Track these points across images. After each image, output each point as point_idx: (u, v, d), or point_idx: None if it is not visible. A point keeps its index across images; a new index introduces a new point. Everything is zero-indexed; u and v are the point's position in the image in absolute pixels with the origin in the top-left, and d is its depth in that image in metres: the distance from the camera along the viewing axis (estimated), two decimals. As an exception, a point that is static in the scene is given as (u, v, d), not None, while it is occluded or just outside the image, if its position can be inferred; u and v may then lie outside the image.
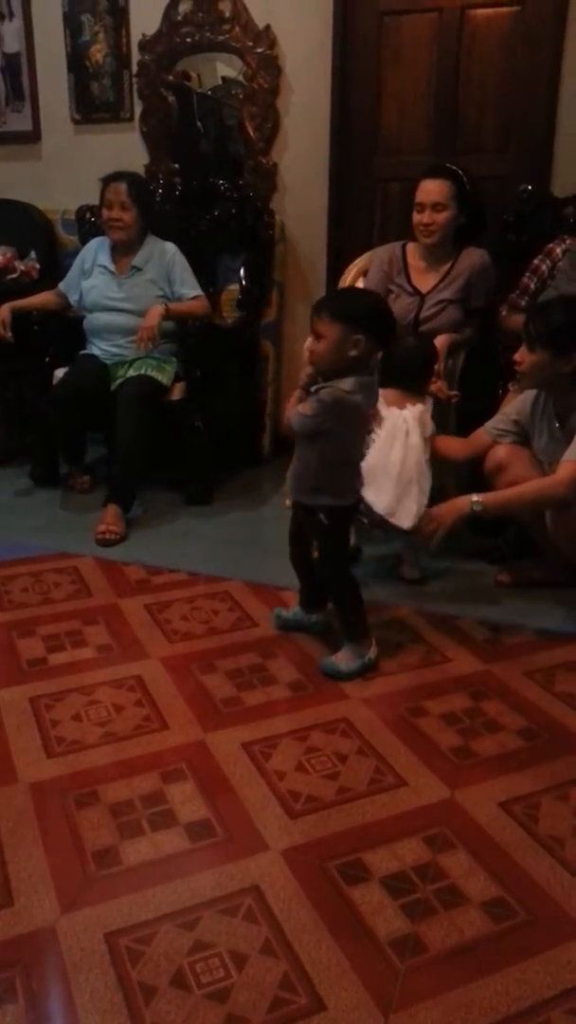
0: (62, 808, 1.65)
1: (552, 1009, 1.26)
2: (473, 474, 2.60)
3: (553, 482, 2.20)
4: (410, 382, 2.47)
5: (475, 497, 2.23)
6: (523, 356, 2.28)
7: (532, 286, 2.76)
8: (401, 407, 2.42)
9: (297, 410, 1.98)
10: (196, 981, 1.30)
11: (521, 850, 1.56)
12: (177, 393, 3.16)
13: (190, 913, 1.41)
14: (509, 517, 2.52)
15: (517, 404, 2.43)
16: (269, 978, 1.30)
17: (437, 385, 2.57)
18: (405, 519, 2.36)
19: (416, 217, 2.82)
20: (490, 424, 2.48)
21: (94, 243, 3.31)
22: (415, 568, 2.61)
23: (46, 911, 1.42)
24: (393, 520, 2.37)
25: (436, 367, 2.58)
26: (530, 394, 2.40)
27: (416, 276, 2.90)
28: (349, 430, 2.00)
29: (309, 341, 1.99)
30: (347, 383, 1.92)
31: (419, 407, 2.46)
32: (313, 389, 1.97)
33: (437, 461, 2.85)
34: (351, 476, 2.08)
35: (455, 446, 2.55)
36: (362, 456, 2.15)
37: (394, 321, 2.08)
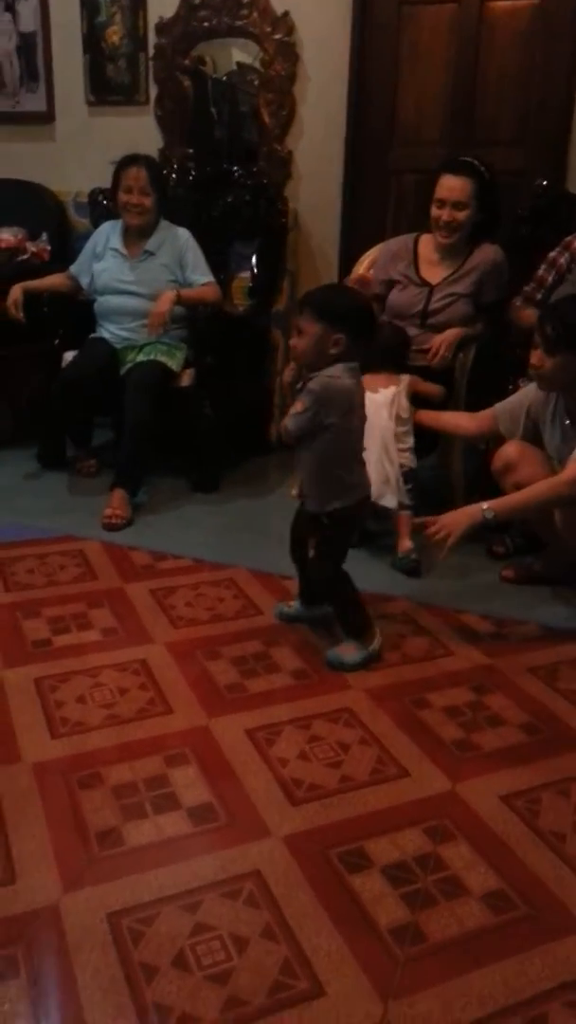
0: (65, 788, 1.66)
1: (550, 1002, 1.27)
2: (477, 465, 2.60)
3: (560, 481, 2.19)
4: (382, 364, 2.54)
5: (486, 505, 2.16)
6: (540, 360, 2.23)
7: (550, 279, 2.75)
8: (374, 391, 2.45)
9: (290, 412, 1.98)
10: (197, 963, 1.30)
11: (522, 844, 1.57)
12: (187, 380, 3.15)
13: (192, 896, 1.42)
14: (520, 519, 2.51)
15: (530, 395, 2.39)
16: (269, 962, 1.31)
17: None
18: (391, 500, 2.50)
19: (435, 212, 2.80)
20: (500, 408, 2.46)
21: (106, 226, 3.30)
22: (410, 539, 2.62)
23: (49, 890, 1.43)
24: (382, 502, 2.47)
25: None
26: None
27: (425, 268, 2.88)
28: (344, 417, 1.97)
29: (294, 338, 1.99)
30: (333, 369, 1.93)
31: (391, 389, 2.56)
32: (299, 386, 1.97)
33: (443, 450, 2.88)
34: (357, 472, 2.07)
35: (463, 422, 2.58)
36: (362, 447, 2.14)
37: (376, 322, 2.11)
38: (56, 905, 1.40)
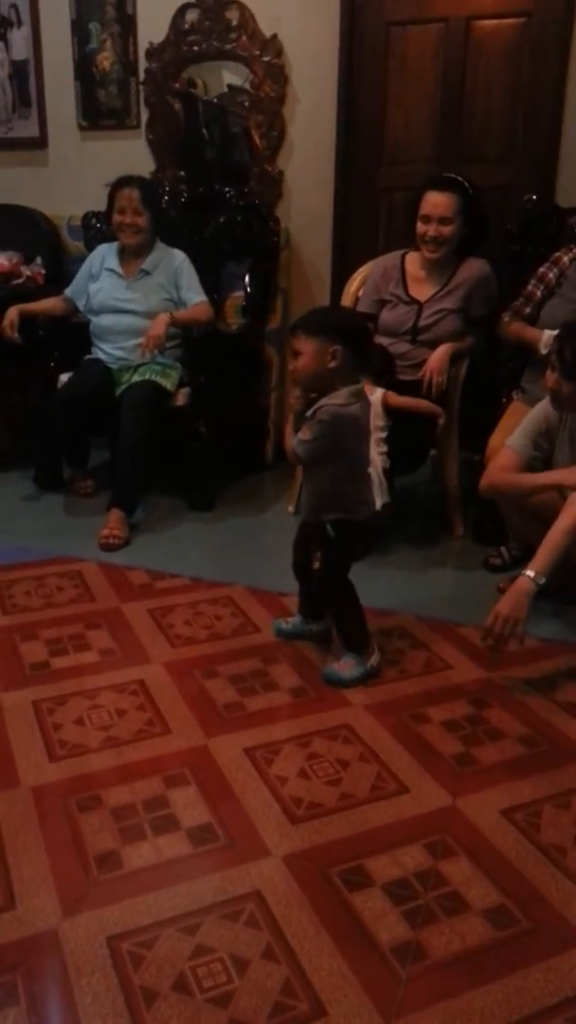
0: (64, 812, 1.65)
1: (553, 1017, 1.26)
2: (474, 473, 2.59)
3: (568, 516, 2.15)
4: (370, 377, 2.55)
5: (529, 573, 2.05)
6: (557, 383, 2.19)
7: (539, 294, 2.76)
8: None
9: (298, 437, 1.99)
10: (198, 986, 1.30)
11: (522, 858, 1.56)
12: (181, 399, 3.17)
13: (192, 918, 1.42)
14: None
15: (542, 416, 2.35)
16: (270, 983, 1.30)
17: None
18: (379, 501, 2.49)
19: (421, 228, 2.83)
20: (518, 443, 2.36)
21: (102, 248, 3.34)
22: (385, 519, 2.64)
23: (48, 914, 1.42)
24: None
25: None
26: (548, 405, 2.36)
27: (413, 286, 2.91)
28: (353, 443, 2.01)
29: (292, 361, 2.01)
30: (339, 396, 1.95)
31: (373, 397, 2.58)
32: (308, 414, 1.98)
33: (438, 465, 2.90)
34: (364, 490, 2.09)
35: (513, 479, 2.41)
36: (368, 463, 2.15)
37: (368, 332, 2.11)
38: (56, 930, 1.39)
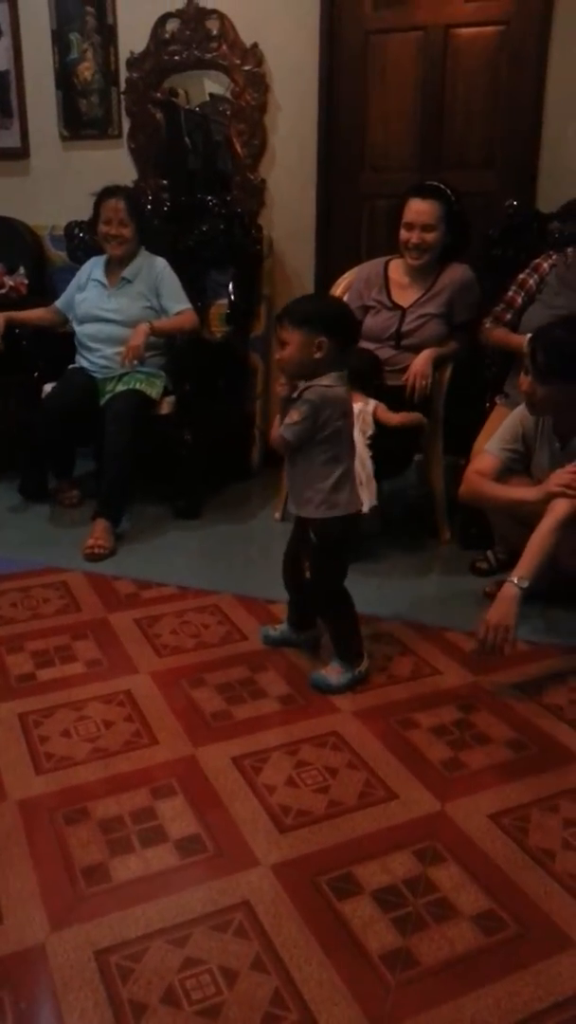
0: (51, 825, 1.64)
1: (543, 1022, 1.26)
2: (459, 478, 2.60)
3: (549, 522, 2.15)
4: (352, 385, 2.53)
5: (514, 579, 2.07)
6: (532, 387, 2.21)
7: (520, 300, 2.77)
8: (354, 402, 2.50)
9: (285, 422, 1.99)
10: (187, 998, 1.29)
11: (511, 863, 1.56)
12: (166, 407, 3.16)
13: (180, 929, 1.41)
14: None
15: (518, 420, 2.37)
16: (260, 994, 1.30)
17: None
18: (366, 503, 2.49)
19: (404, 235, 2.84)
20: (495, 447, 2.39)
21: (91, 261, 3.37)
22: (372, 522, 2.68)
23: (35, 929, 1.41)
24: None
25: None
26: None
27: (396, 291, 2.92)
28: (339, 424, 1.99)
29: (278, 352, 2.02)
30: (326, 379, 1.96)
31: (359, 405, 2.59)
32: (295, 396, 1.98)
33: (423, 470, 2.92)
34: (350, 481, 2.08)
35: (489, 489, 2.41)
36: (354, 451, 2.14)
37: (355, 322, 2.12)
38: (43, 944, 1.38)
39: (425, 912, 1.45)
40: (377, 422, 2.68)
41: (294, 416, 1.96)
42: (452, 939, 1.40)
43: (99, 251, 3.35)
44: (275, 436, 2.05)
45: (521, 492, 2.29)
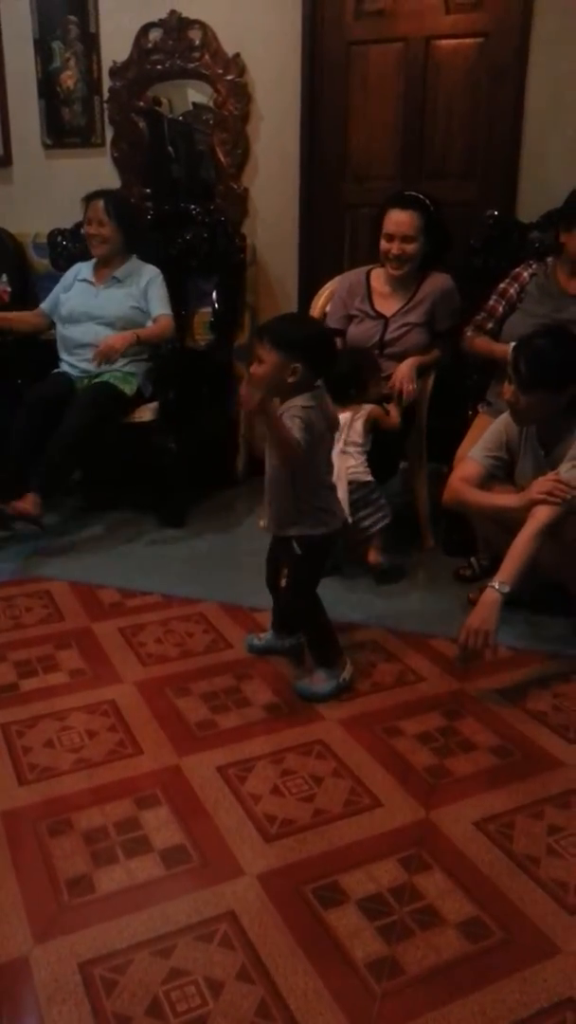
0: (35, 836, 1.63)
1: (529, 1029, 1.26)
2: (443, 486, 2.61)
3: (531, 527, 2.16)
4: (338, 392, 2.51)
5: (495, 584, 2.09)
6: (515, 396, 2.23)
7: (500, 309, 2.80)
8: None
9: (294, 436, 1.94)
10: (172, 1009, 1.28)
11: (497, 869, 1.57)
12: (149, 414, 3.16)
13: (165, 940, 1.40)
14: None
15: (502, 428, 2.39)
16: (246, 1004, 1.29)
17: (392, 413, 2.70)
18: (350, 516, 2.53)
19: (385, 246, 2.86)
20: (479, 454, 2.40)
21: (78, 265, 3.38)
22: (383, 554, 2.69)
23: (19, 941, 1.40)
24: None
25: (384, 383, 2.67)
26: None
27: (379, 301, 2.94)
28: (317, 443, 2.00)
29: (253, 366, 2.00)
30: (300, 399, 1.95)
31: (347, 415, 2.61)
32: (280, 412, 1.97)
33: (407, 477, 2.93)
34: (331, 500, 2.08)
35: (473, 495, 2.41)
36: (332, 472, 2.15)
37: (334, 351, 2.11)
38: (26, 957, 1.37)
39: (411, 920, 1.45)
40: (375, 428, 2.67)
41: (296, 431, 1.94)
42: (438, 947, 1.40)
43: (83, 258, 3.36)
44: (289, 439, 1.91)
45: (504, 499, 2.30)
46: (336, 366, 2.38)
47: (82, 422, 2.95)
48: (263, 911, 1.46)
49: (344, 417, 2.61)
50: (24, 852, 1.59)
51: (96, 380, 3.11)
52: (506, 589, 2.08)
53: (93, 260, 3.31)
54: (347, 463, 2.60)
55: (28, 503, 2.83)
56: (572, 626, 2.43)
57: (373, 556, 2.70)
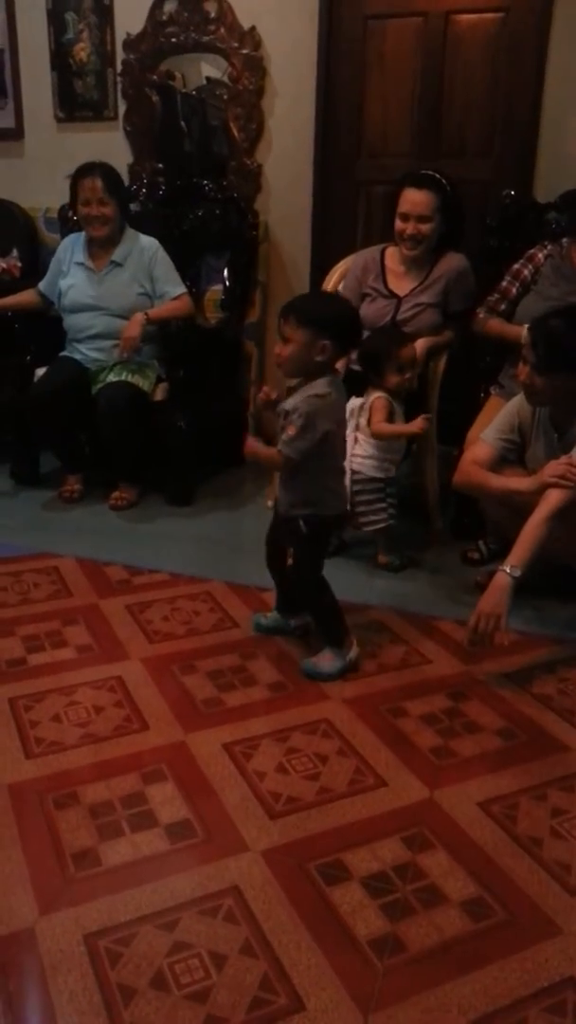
0: (41, 810, 1.64)
1: (530, 1007, 1.27)
2: (452, 468, 2.60)
3: (543, 512, 2.14)
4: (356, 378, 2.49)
5: (506, 568, 2.08)
6: (530, 377, 2.22)
7: (514, 291, 2.77)
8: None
9: (283, 439, 1.96)
10: (176, 982, 1.29)
11: (499, 850, 1.57)
12: (160, 394, 3.14)
13: (170, 914, 1.41)
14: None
15: (514, 411, 2.37)
16: (249, 978, 1.30)
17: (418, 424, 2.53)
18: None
19: (400, 226, 2.82)
20: (490, 437, 2.39)
21: (68, 240, 3.24)
22: (390, 555, 2.69)
23: (25, 913, 1.41)
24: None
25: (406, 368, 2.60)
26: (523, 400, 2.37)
27: (393, 280, 2.91)
28: (333, 432, 1.99)
29: (278, 346, 1.99)
30: (319, 386, 1.93)
31: (356, 401, 2.58)
32: (288, 407, 1.96)
33: (416, 459, 2.91)
34: (337, 483, 2.08)
35: (482, 477, 2.40)
36: (342, 458, 2.15)
37: (361, 327, 2.09)
38: (32, 928, 1.38)
39: (413, 898, 1.46)
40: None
41: (291, 431, 1.94)
42: (440, 925, 1.41)
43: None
44: (271, 455, 1.99)
45: (515, 482, 2.29)
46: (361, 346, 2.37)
47: (115, 434, 3.04)
48: (267, 887, 1.47)
49: (356, 403, 2.59)
50: (30, 825, 1.60)
51: (114, 378, 3.05)
52: (517, 573, 2.07)
53: (83, 235, 3.16)
54: (355, 451, 2.57)
55: (123, 489, 3.11)
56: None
57: (381, 558, 2.69)
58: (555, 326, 2.20)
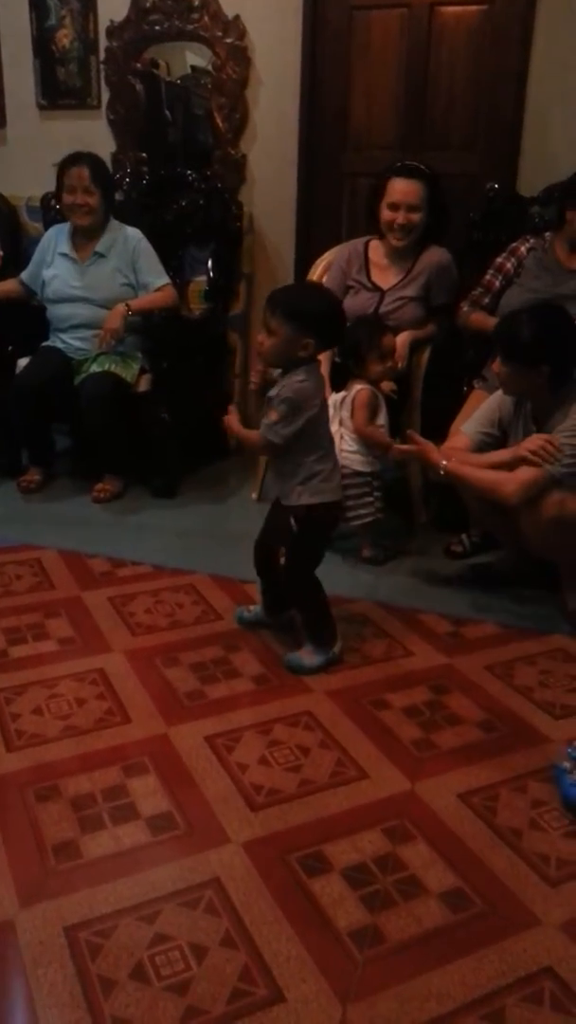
0: (22, 802, 1.64)
1: (507, 997, 1.29)
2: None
3: (510, 478, 2.20)
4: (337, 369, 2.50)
5: (444, 462, 2.29)
6: (499, 366, 2.28)
7: (497, 284, 2.77)
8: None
9: (264, 423, 1.96)
10: (156, 973, 1.30)
11: (479, 841, 1.59)
12: (144, 385, 3.13)
13: (151, 906, 1.41)
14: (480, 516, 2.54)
15: (496, 406, 2.40)
16: (229, 970, 1.31)
17: (388, 385, 2.66)
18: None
19: (389, 216, 2.82)
20: (470, 429, 2.43)
21: (52, 231, 3.25)
22: (373, 548, 2.69)
23: (5, 905, 1.41)
24: None
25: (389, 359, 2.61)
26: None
27: (376, 273, 2.91)
28: (317, 415, 1.99)
29: (261, 335, 1.98)
30: (299, 373, 1.94)
31: (339, 396, 2.59)
32: (272, 394, 1.97)
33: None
34: (334, 470, 2.07)
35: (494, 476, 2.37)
36: (332, 444, 2.14)
37: (345, 324, 2.09)
38: (12, 921, 1.38)
39: (393, 890, 1.47)
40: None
41: (273, 416, 1.94)
42: (419, 916, 1.42)
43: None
44: (256, 439, 2.01)
45: (496, 456, 2.30)
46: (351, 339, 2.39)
47: (98, 426, 3.04)
48: (248, 879, 1.47)
49: (338, 397, 2.59)
50: (11, 817, 1.60)
51: (97, 368, 3.03)
52: (442, 472, 2.31)
53: (68, 226, 3.16)
54: (341, 446, 2.56)
55: (106, 481, 3.11)
56: (558, 603, 2.44)
57: (364, 551, 2.70)
58: (517, 320, 2.24)
